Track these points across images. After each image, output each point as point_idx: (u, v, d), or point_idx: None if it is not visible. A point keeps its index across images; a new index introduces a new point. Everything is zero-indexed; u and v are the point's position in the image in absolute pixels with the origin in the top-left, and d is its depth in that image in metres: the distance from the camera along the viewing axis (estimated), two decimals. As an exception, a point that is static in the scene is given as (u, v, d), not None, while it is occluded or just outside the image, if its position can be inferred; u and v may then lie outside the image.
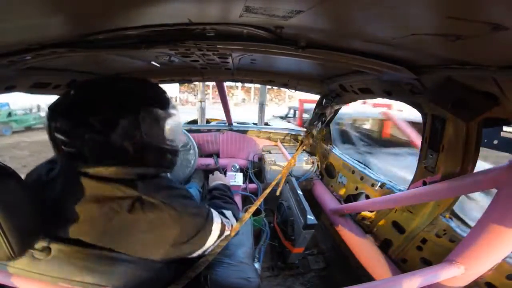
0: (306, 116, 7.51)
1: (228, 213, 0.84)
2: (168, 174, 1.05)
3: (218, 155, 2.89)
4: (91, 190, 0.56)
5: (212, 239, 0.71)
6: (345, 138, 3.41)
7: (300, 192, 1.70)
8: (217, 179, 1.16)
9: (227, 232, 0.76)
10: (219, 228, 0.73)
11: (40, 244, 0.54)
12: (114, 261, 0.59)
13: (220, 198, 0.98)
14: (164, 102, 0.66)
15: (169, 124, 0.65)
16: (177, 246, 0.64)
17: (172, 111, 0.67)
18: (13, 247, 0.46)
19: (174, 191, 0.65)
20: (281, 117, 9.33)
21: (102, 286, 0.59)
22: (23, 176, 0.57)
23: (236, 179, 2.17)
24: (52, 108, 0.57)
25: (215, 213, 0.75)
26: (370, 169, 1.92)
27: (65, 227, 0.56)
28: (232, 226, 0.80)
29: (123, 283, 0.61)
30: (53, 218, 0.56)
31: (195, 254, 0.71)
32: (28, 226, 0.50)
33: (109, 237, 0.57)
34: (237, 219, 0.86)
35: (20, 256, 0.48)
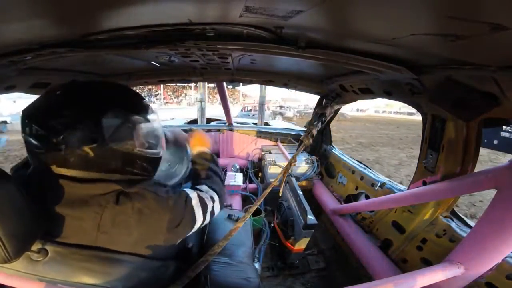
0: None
1: (203, 187, 0.80)
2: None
3: (218, 155, 2.90)
4: (73, 191, 0.55)
5: (199, 215, 0.71)
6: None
7: (300, 192, 1.70)
8: (196, 138, 0.99)
9: (210, 204, 0.75)
10: (198, 202, 0.72)
11: (37, 246, 0.54)
12: (112, 262, 0.59)
13: (202, 172, 0.90)
14: (137, 107, 0.63)
15: (142, 130, 0.62)
16: (172, 231, 0.64)
17: (148, 116, 0.64)
18: (9, 251, 0.46)
19: (149, 181, 0.65)
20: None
21: (100, 287, 0.59)
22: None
23: (236, 179, 2.17)
24: (25, 113, 0.56)
25: (189, 191, 0.74)
26: (370, 169, 1.92)
27: (58, 229, 0.55)
28: (212, 198, 0.78)
29: (121, 283, 0.61)
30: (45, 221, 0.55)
31: (190, 233, 0.72)
32: (24, 229, 0.49)
33: (105, 235, 0.56)
34: (220, 195, 0.82)
35: (16, 259, 0.48)
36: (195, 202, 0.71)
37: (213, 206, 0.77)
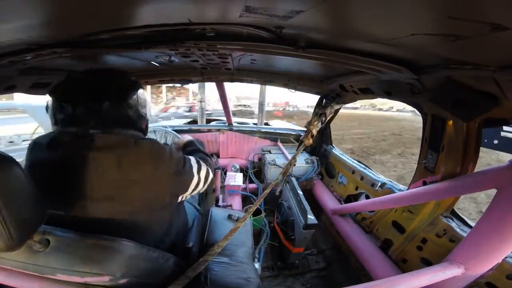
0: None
1: (196, 157, 0.91)
2: None
3: (218, 155, 2.89)
4: (105, 141, 0.66)
5: (195, 171, 0.82)
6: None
7: (300, 192, 1.70)
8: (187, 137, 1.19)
9: (203, 167, 0.87)
10: (195, 161, 0.84)
11: (39, 236, 0.55)
12: (112, 250, 0.60)
13: (193, 152, 1.03)
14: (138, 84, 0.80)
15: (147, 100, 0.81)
16: (178, 175, 0.75)
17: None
18: (14, 237, 0.45)
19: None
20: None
21: (101, 275, 0.59)
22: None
23: (236, 179, 2.17)
24: (68, 91, 0.68)
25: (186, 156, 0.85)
26: (370, 169, 1.92)
27: (82, 194, 0.62)
28: (208, 170, 0.89)
29: (121, 272, 0.62)
30: (66, 193, 0.62)
31: (189, 192, 0.81)
32: (30, 215, 0.49)
33: (124, 173, 0.64)
34: (210, 165, 0.94)
35: (19, 246, 0.48)
36: (192, 160, 0.83)
37: (207, 169, 0.88)
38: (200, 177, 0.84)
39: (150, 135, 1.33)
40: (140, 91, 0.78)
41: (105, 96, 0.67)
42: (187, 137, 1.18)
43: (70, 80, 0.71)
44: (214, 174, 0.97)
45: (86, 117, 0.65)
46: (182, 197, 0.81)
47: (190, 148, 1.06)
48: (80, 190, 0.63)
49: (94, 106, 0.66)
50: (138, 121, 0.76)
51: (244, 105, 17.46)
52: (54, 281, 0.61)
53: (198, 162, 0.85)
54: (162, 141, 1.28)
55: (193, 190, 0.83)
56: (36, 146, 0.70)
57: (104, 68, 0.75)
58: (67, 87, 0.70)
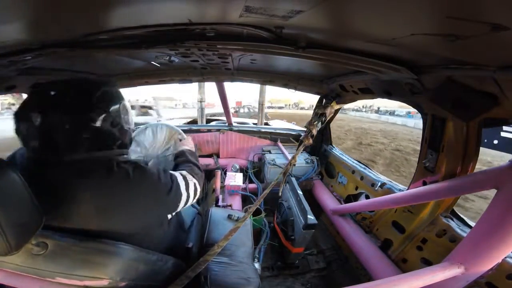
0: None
1: (183, 172, 0.90)
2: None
3: (218, 155, 2.89)
4: (85, 166, 0.61)
5: (183, 189, 0.80)
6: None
7: (300, 192, 1.70)
8: (185, 143, 1.18)
9: (191, 181, 0.85)
10: (181, 178, 0.82)
11: (37, 240, 0.55)
12: (111, 254, 0.60)
13: (183, 163, 1.02)
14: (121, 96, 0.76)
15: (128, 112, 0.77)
16: (168, 197, 0.73)
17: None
18: (11, 242, 0.46)
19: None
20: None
21: (100, 279, 0.59)
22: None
23: (236, 179, 2.17)
24: (35, 107, 0.60)
25: (171, 171, 0.84)
26: (370, 169, 1.92)
27: (67, 213, 0.58)
28: (195, 185, 0.88)
29: (120, 276, 0.62)
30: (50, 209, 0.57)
31: (180, 207, 0.80)
32: (26, 220, 0.49)
33: (112, 202, 0.61)
34: (198, 177, 0.93)
35: (17, 250, 0.48)
36: (179, 178, 0.81)
37: (195, 183, 0.87)
38: (189, 193, 0.82)
39: (140, 133, 1.31)
40: (124, 102, 0.72)
41: (66, 118, 0.58)
42: (189, 143, 1.17)
43: (30, 98, 0.63)
44: (203, 182, 0.97)
45: (46, 143, 0.58)
46: (172, 214, 0.79)
47: (181, 159, 1.04)
48: (63, 210, 0.59)
49: (53, 130, 0.57)
50: (114, 139, 0.69)
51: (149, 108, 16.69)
52: (53, 284, 0.61)
53: (185, 179, 0.83)
54: (164, 137, 1.27)
55: (183, 206, 0.81)
56: (13, 164, 0.63)
57: (73, 79, 0.69)
58: (25, 106, 0.61)
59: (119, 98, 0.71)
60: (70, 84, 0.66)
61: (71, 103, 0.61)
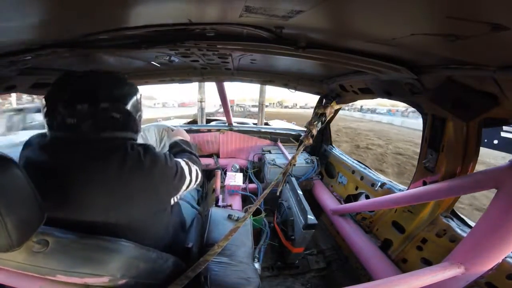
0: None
1: (184, 159, 0.92)
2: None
3: (218, 155, 2.89)
4: (102, 146, 0.65)
5: (187, 172, 0.84)
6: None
7: (300, 192, 1.70)
8: (177, 134, 1.18)
9: (193, 167, 0.89)
10: (185, 163, 0.85)
11: (38, 237, 0.55)
12: (112, 251, 0.60)
13: (179, 153, 1.04)
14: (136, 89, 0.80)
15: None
16: (174, 179, 0.76)
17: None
18: (13, 238, 0.46)
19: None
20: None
21: (100, 276, 0.60)
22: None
23: (236, 179, 2.17)
24: (62, 96, 0.64)
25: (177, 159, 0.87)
26: (370, 169, 1.92)
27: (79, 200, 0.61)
28: (197, 170, 0.92)
29: (120, 273, 0.62)
30: (61, 196, 0.60)
31: (184, 190, 0.84)
32: (29, 216, 0.50)
33: (123, 181, 0.64)
34: (197, 164, 0.96)
35: (19, 246, 0.48)
36: (182, 163, 0.84)
37: (196, 169, 0.91)
38: (191, 177, 0.86)
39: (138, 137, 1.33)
40: (139, 95, 0.78)
41: (103, 98, 0.65)
42: (180, 133, 1.18)
43: (64, 81, 0.68)
44: (202, 171, 0.99)
45: (81, 120, 0.63)
46: (175, 198, 0.82)
47: (176, 149, 1.06)
48: (74, 196, 0.61)
49: (89, 109, 0.63)
50: (134, 124, 0.75)
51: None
52: (54, 281, 0.61)
53: (187, 164, 0.87)
54: (154, 137, 1.29)
55: (185, 189, 0.84)
56: (30, 146, 0.69)
57: (103, 70, 0.73)
58: (61, 88, 0.67)
59: (138, 89, 0.79)
60: (101, 72, 0.72)
61: (107, 84, 0.69)
